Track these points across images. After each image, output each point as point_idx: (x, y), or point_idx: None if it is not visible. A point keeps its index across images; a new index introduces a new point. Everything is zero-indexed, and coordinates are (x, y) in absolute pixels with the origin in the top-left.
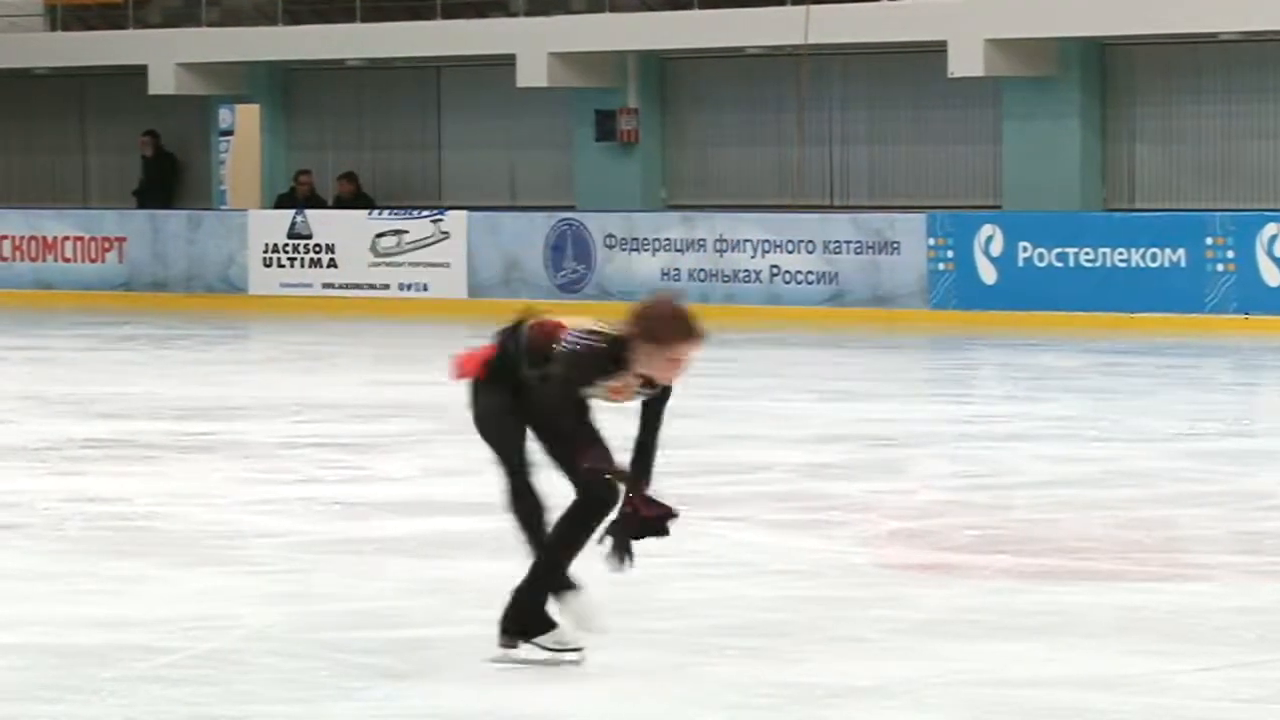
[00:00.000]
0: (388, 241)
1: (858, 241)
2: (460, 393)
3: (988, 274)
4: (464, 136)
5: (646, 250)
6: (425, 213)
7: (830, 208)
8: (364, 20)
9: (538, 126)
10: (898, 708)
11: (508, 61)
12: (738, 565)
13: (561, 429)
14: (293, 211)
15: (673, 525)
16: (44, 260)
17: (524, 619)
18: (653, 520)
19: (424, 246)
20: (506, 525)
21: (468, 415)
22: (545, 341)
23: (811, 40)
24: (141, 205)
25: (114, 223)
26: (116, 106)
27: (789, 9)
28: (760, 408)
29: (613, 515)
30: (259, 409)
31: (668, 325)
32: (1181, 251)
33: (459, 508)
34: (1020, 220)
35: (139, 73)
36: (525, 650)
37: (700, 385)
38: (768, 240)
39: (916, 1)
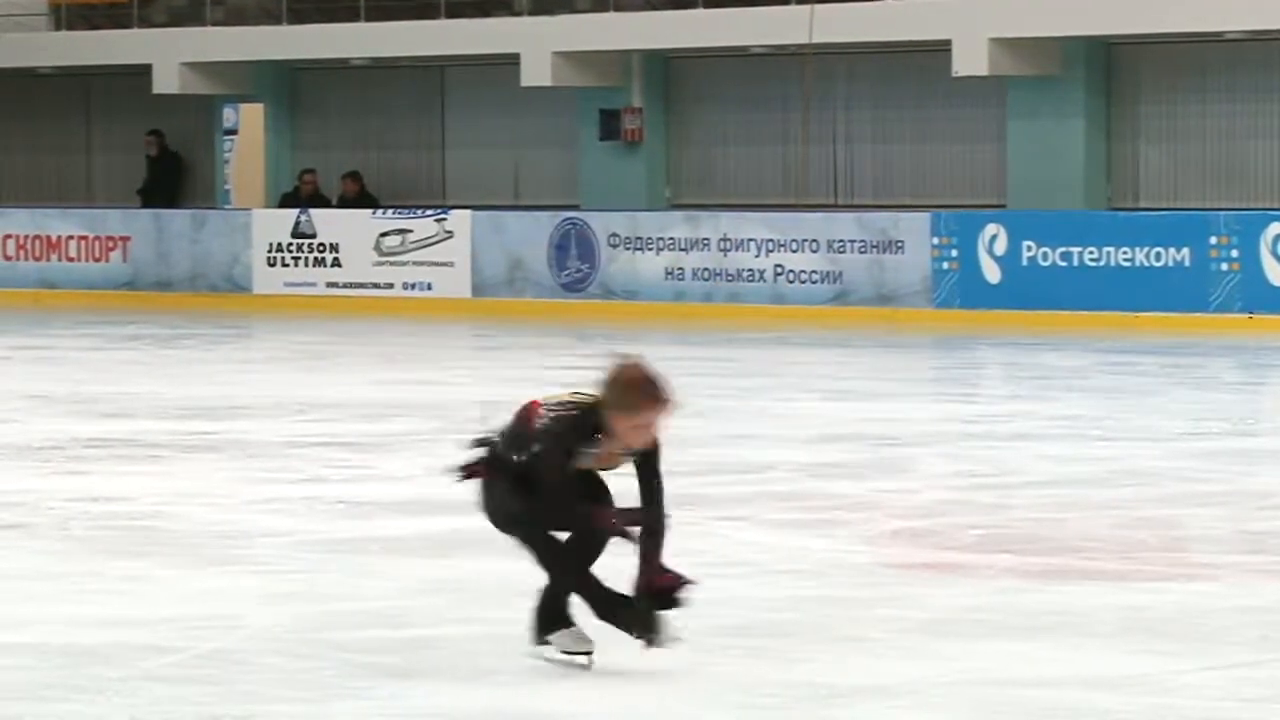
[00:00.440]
0: (392, 241)
1: (862, 241)
2: (461, 393)
3: (992, 273)
4: (468, 136)
5: (651, 249)
6: (429, 212)
7: (834, 207)
8: (368, 20)
9: (542, 126)
10: (902, 707)
11: (512, 61)
12: (741, 565)
13: (561, 498)
14: (297, 211)
15: (686, 593)
16: (48, 259)
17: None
18: (666, 591)
19: (428, 246)
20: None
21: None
22: (523, 425)
23: (816, 39)
24: (146, 205)
25: (118, 222)
26: (121, 106)
27: (793, 8)
28: (764, 407)
29: (628, 590)
30: (263, 408)
31: (634, 392)
32: (1186, 251)
33: (463, 507)
34: (1025, 219)
35: (143, 72)
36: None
37: (704, 385)
38: (772, 239)
39: (921, 1)
